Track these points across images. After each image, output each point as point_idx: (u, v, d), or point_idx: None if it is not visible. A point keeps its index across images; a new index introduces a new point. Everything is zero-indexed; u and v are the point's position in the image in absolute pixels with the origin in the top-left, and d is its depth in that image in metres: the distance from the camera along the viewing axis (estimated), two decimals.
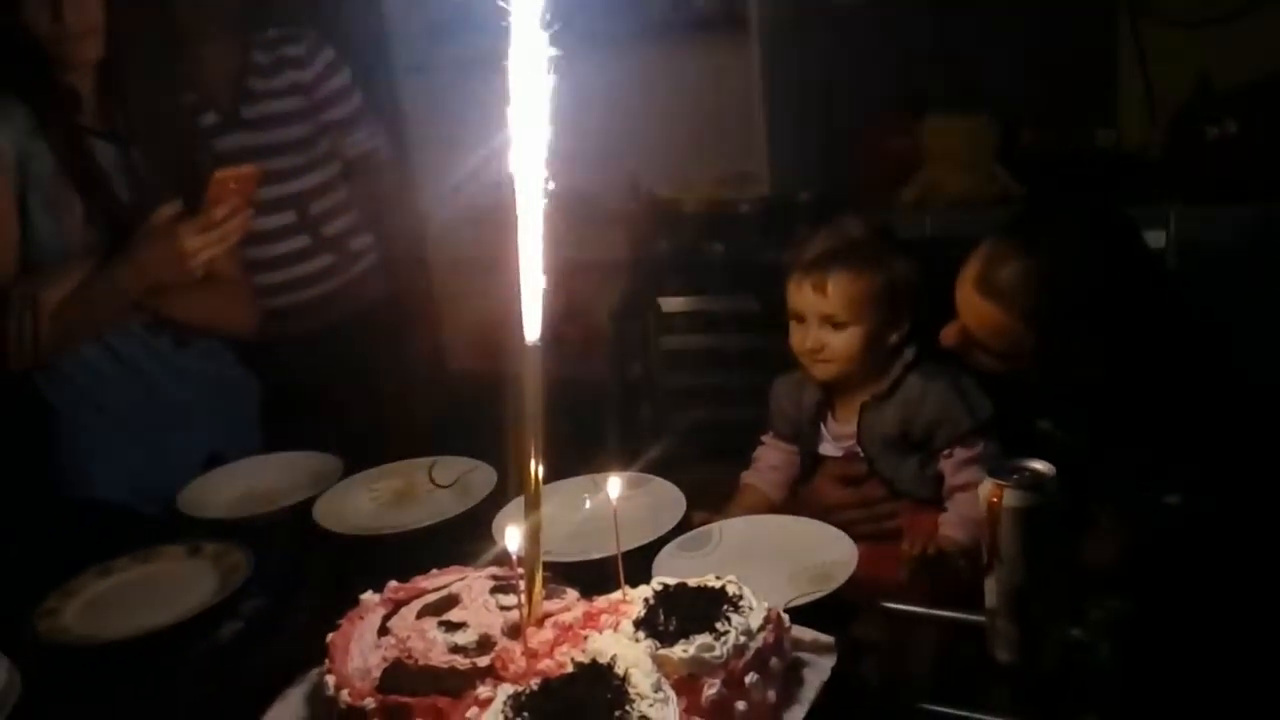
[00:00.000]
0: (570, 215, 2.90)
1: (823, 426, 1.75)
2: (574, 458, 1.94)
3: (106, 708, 1.29)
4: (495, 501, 1.62)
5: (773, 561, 1.36)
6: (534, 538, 1.12)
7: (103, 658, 1.37)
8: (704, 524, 1.47)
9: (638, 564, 1.35)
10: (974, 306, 1.52)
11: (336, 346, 2.32)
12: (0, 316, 1.70)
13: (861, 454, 1.70)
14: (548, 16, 1.03)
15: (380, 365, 2.34)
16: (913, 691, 1.15)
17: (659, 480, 1.59)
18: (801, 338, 1.69)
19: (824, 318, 1.65)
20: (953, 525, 1.57)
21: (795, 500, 1.74)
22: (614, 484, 1.20)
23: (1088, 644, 1.13)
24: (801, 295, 1.67)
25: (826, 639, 1.15)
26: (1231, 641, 1.17)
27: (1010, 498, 1.05)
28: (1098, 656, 1.13)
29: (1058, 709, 1.12)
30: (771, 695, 1.07)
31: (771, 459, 1.82)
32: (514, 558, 1.09)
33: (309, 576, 1.58)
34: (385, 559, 1.53)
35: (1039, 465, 1.09)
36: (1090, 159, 2.91)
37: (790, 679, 1.11)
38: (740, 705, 1.03)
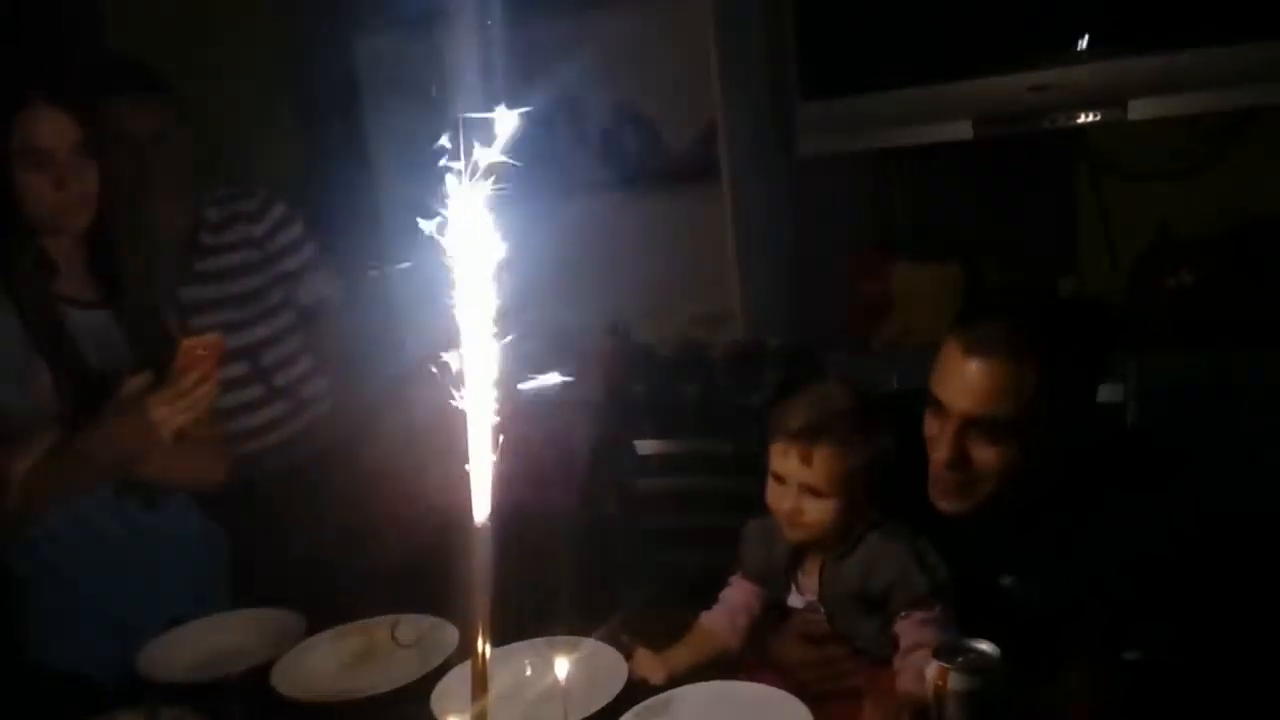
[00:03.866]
0: (553, 352, 2.94)
1: (792, 579, 1.75)
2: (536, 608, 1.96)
3: None
4: (458, 661, 1.62)
5: None
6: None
7: None
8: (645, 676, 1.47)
9: None
10: (969, 376, 1.53)
11: (298, 490, 2.33)
12: None
13: (822, 610, 1.70)
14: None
15: (339, 510, 2.35)
16: None
17: (592, 643, 1.61)
18: (779, 498, 1.69)
19: (805, 486, 1.66)
20: (911, 680, 1.56)
21: (758, 653, 1.73)
22: (561, 664, 1.20)
23: None
24: (785, 461, 1.67)
25: None
26: None
27: (955, 681, 1.06)
28: None
29: None
30: None
31: (736, 600, 1.80)
32: None
33: None
34: None
35: (985, 647, 1.10)
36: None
37: None
38: None
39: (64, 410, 1.81)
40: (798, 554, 1.75)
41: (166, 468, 1.88)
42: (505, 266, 1.06)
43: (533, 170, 3.35)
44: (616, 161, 3.38)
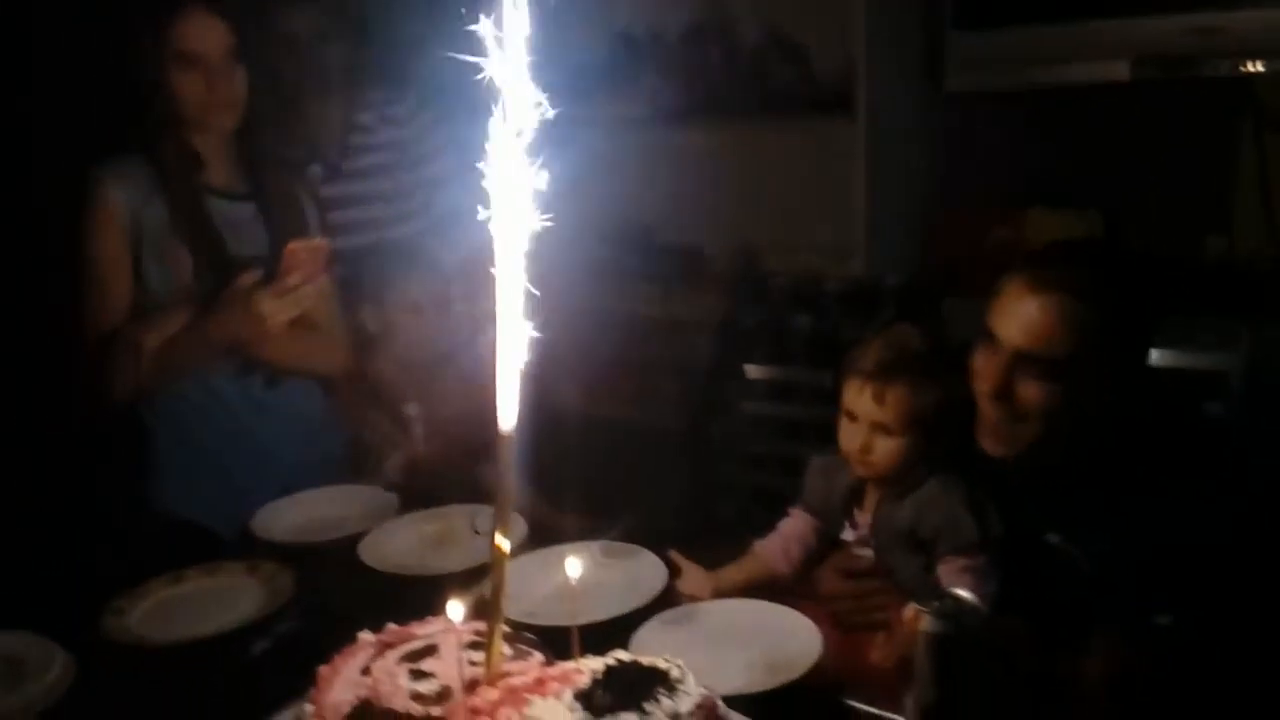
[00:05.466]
0: (679, 273, 3.01)
1: (849, 515, 1.81)
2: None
3: (139, 707, 1.46)
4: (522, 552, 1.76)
5: (745, 645, 1.46)
6: (496, 605, 1.25)
7: (150, 660, 1.56)
8: (690, 598, 1.56)
9: (619, 634, 1.48)
10: (1027, 310, 1.54)
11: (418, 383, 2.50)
12: (109, 354, 1.94)
13: (872, 545, 1.76)
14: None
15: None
16: None
17: (644, 551, 1.73)
18: (851, 436, 1.74)
19: (876, 424, 1.70)
20: None
21: (804, 584, 1.81)
22: (572, 563, 1.31)
23: None
24: (859, 399, 1.72)
25: None
26: None
27: (926, 623, 1.12)
28: None
29: None
30: None
31: (793, 529, 1.87)
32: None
33: (343, 607, 1.74)
34: (415, 598, 1.68)
35: (966, 596, 1.15)
36: (1196, 266, 2.87)
37: None
38: None
39: (202, 293, 2.01)
40: (857, 491, 1.80)
41: (283, 353, 2.08)
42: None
43: (678, 89, 3.41)
44: (763, 85, 3.38)
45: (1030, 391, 1.55)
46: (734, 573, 1.80)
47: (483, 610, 1.32)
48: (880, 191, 3.11)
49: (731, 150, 3.32)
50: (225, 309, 1.98)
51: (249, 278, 1.98)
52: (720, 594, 1.73)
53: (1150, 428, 1.60)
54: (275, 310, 1.96)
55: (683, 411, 3.29)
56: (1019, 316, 1.55)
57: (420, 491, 2.03)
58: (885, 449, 1.71)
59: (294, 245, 1.97)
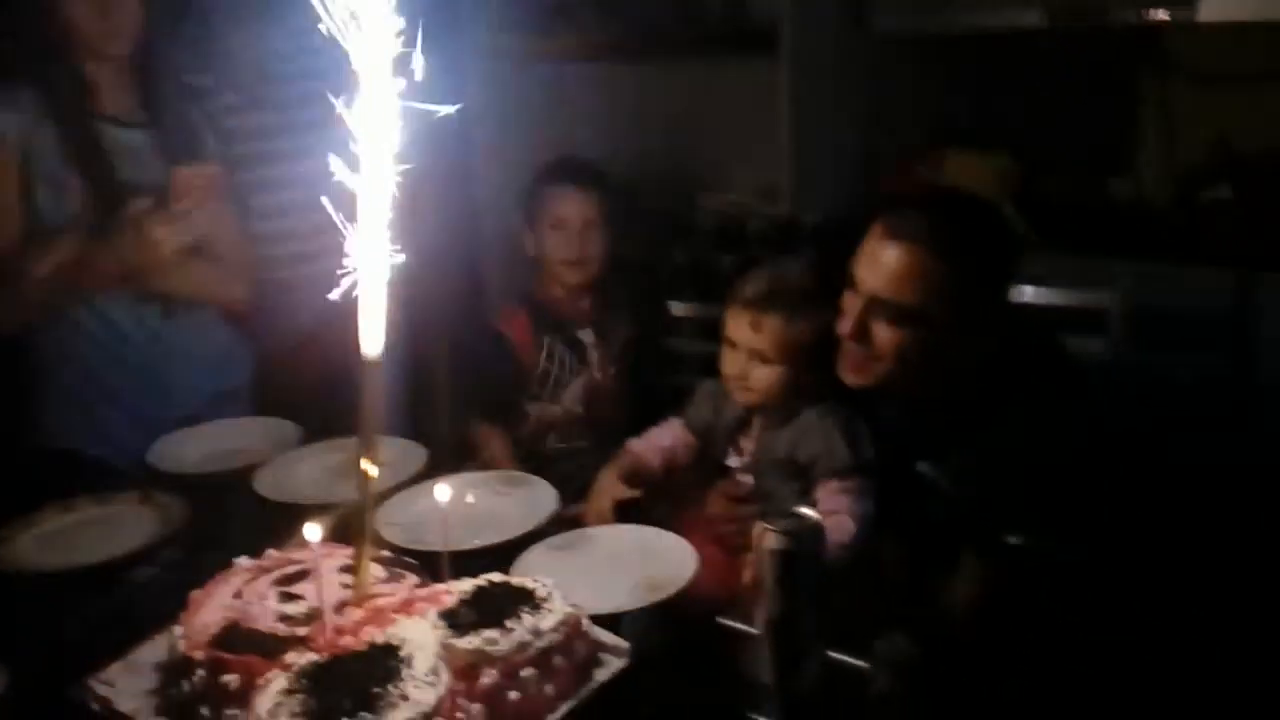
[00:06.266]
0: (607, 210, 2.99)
1: (733, 443, 1.86)
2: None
3: (18, 635, 1.46)
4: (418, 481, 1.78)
5: (625, 568, 1.49)
6: (363, 528, 1.26)
7: (33, 587, 1.56)
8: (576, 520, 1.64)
9: (506, 560, 1.50)
10: (883, 258, 1.59)
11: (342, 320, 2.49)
12: None
13: (751, 472, 1.81)
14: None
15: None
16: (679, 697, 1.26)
17: (540, 481, 1.75)
18: (731, 362, 1.81)
19: (753, 351, 1.77)
20: None
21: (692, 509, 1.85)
22: (441, 489, 1.33)
23: (870, 674, 1.24)
24: (738, 327, 1.79)
25: (622, 644, 1.26)
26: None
27: (771, 540, 1.16)
28: (877, 687, 1.23)
29: None
30: (550, 689, 1.19)
31: (665, 439, 1.95)
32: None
33: (235, 538, 1.74)
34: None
35: (808, 514, 1.19)
36: (1102, 210, 2.92)
37: (581, 677, 1.23)
38: (513, 695, 1.16)
39: (94, 220, 1.98)
40: (744, 421, 1.85)
41: (180, 282, 2.06)
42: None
43: (606, 25, 3.36)
44: (693, 23, 3.35)
45: (884, 335, 1.60)
46: (613, 470, 1.88)
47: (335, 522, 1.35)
48: (805, 131, 3.11)
49: (660, 88, 3.31)
50: (116, 236, 1.95)
51: (141, 204, 1.95)
52: (601, 501, 1.82)
53: (1007, 362, 1.63)
54: (166, 237, 1.94)
55: None
56: (875, 263, 1.60)
57: (327, 421, 2.02)
58: (761, 376, 1.77)
59: (184, 171, 1.95)
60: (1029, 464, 1.54)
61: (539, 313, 2.44)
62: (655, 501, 1.87)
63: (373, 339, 1.21)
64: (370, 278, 1.19)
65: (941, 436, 1.66)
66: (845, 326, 1.64)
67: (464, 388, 2.53)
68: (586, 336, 2.48)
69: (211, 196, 1.98)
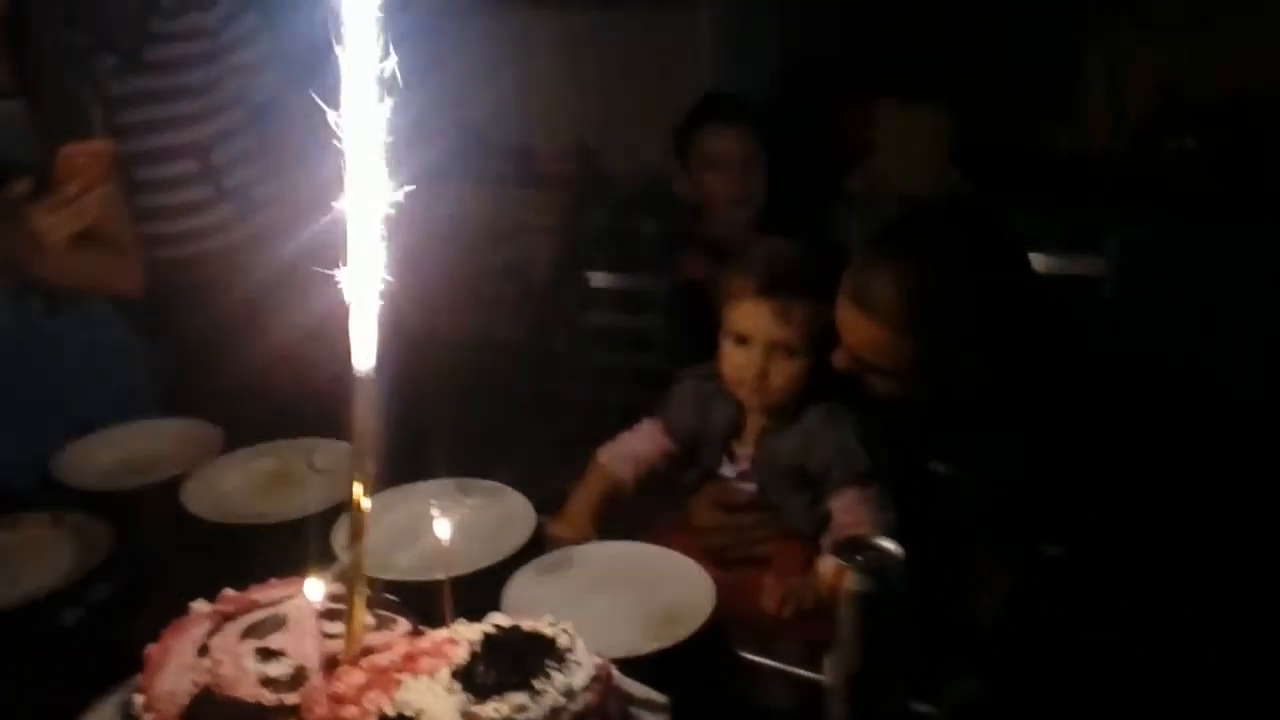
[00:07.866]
0: (515, 174, 2.82)
1: (727, 448, 1.69)
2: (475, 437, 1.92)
3: None
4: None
5: (629, 595, 1.34)
6: (356, 572, 1.09)
7: None
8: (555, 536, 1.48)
9: (487, 584, 1.34)
10: (852, 323, 1.48)
11: (239, 303, 2.26)
12: None
13: (753, 479, 1.66)
14: None
15: (282, 329, 2.28)
16: None
17: (509, 491, 1.58)
18: (744, 362, 1.58)
19: (778, 344, 1.57)
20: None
21: (676, 515, 1.70)
22: (442, 526, 1.16)
23: None
24: (755, 318, 1.57)
25: (660, 699, 1.12)
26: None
27: (852, 581, 1.02)
28: None
29: None
30: None
31: (640, 445, 1.72)
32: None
33: (168, 565, 1.53)
34: (253, 551, 1.50)
35: (888, 546, 1.05)
36: (1047, 160, 2.87)
37: None
38: None
39: None
40: (736, 424, 1.68)
41: (65, 272, 1.80)
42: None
43: None
44: None
45: (903, 357, 1.49)
46: (583, 493, 1.67)
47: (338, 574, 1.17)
48: (724, 85, 2.97)
49: (568, 40, 3.13)
50: None
51: (19, 187, 1.68)
52: (579, 523, 1.61)
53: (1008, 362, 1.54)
54: (53, 225, 1.68)
55: (521, 323, 3.13)
56: (845, 329, 1.50)
57: (250, 424, 1.81)
58: (785, 372, 1.57)
59: (70, 149, 1.68)
60: (1049, 461, 1.45)
61: (715, 252, 2.27)
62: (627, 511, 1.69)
63: (365, 350, 1.03)
64: (361, 282, 1.00)
65: (956, 434, 1.55)
66: (839, 362, 1.54)
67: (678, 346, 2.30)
68: None
69: (102, 177, 1.72)
